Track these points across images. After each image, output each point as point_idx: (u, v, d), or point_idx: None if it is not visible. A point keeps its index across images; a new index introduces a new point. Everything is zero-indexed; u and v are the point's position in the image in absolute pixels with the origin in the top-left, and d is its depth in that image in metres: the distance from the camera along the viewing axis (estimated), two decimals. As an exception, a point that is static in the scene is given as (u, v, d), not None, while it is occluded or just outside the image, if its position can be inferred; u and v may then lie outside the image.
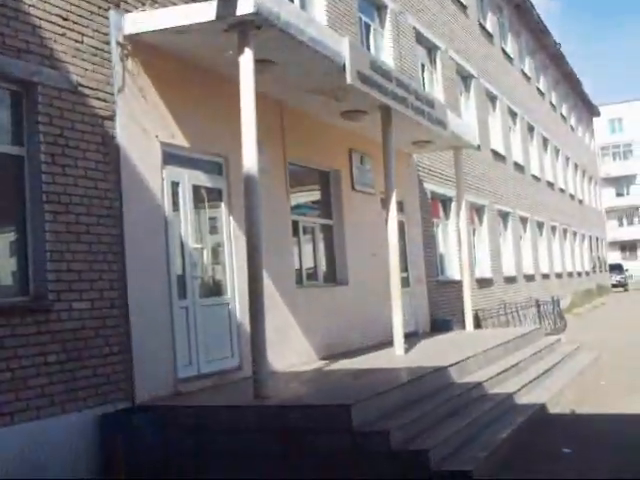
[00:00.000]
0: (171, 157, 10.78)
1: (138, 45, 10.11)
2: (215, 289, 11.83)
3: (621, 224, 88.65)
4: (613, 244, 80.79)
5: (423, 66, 22.34)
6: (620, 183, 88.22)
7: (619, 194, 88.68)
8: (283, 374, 12.01)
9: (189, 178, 11.17)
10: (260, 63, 10.19)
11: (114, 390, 9.15)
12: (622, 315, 33.83)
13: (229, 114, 10.55)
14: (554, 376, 14.78)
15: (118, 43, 9.84)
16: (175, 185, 10.86)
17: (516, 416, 11.14)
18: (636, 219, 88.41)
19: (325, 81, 12.37)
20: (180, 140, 10.87)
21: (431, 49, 23.11)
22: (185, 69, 10.96)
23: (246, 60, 9.65)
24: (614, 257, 77.13)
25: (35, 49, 8.55)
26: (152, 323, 9.90)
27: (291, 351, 12.96)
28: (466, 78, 26.55)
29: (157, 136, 10.41)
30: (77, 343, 8.67)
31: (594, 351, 18.68)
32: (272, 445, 8.67)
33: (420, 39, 21.96)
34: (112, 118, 9.60)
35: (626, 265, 74.08)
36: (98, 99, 9.39)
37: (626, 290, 61.90)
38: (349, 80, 11.93)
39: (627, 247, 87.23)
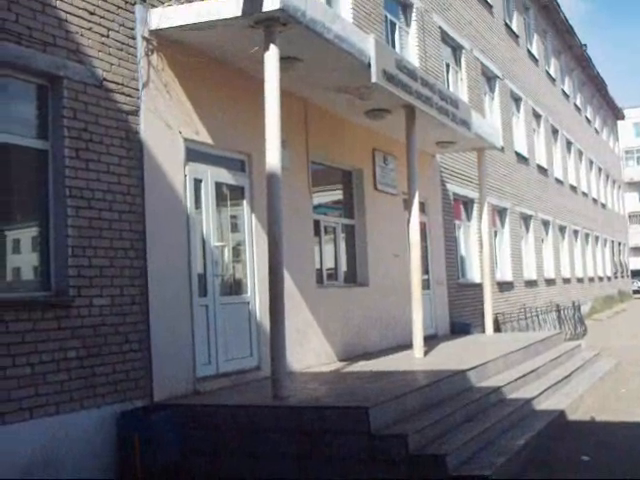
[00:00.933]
0: (194, 154, 10.76)
1: (163, 40, 10.09)
2: (236, 288, 11.80)
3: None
4: (636, 249, 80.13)
5: (448, 66, 22.23)
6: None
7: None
8: (301, 375, 11.97)
9: (212, 175, 11.15)
10: (285, 60, 10.17)
11: (133, 387, 9.14)
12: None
13: (253, 111, 10.53)
14: (574, 382, 14.68)
15: (144, 38, 9.83)
16: (198, 182, 10.84)
17: (535, 422, 11.07)
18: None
19: (350, 79, 12.32)
20: (204, 137, 10.84)
21: (456, 49, 23.01)
22: (210, 65, 10.94)
23: (271, 57, 9.61)
24: (636, 263, 76.53)
25: (61, 43, 8.54)
26: (172, 321, 9.88)
27: (310, 352, 12.92)
28: (491, 79, 26.43)
29: (181, 132, 10.39)
30: (97, 339, 8.67)
31: (614, 358, 18.57)
32: (289, 446, 8.64)
33: (445, 38, 21.87)
34: (136, 113, 9.59)
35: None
36: (123, 94, 9.38)
37: (647, 296, 61.45)
38: (374, 79, 11.87)
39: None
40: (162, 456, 8.72)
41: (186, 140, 10.50)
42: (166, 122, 10.10)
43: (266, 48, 9.63)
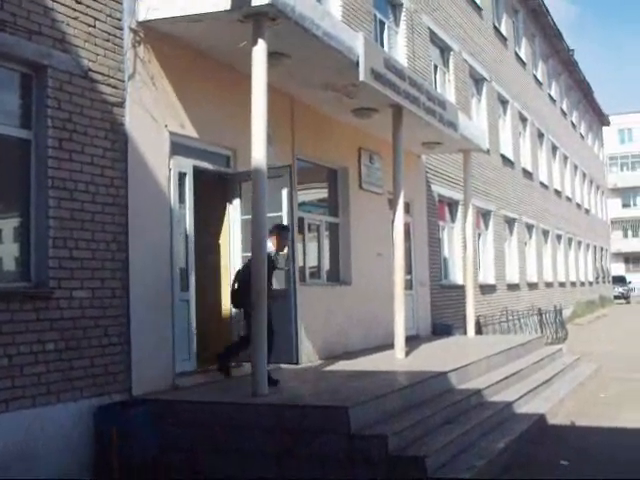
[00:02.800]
0: (179, 147, 10.69)
1: (151, 32, 10.01)
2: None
3: (626, 235, 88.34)
4: (617, 255, 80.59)
5: (436, 67, 22.23)
6: (627, 194, 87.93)
7: (625, 205, 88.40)
8: (282, 372, 11.88)
9: (197, 169, 11.06)
10: (273, 56, 10.10)
11: (111, 381, 9.07)
12: (624, 327, 33.73)
13: (239, 106, 10.45)
14: (554, 386, 14.69)
15: (131, 29, 9.74)
16: (182, 176, 10.75)
17: (515, 425, 11.05)
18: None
19: (337, 77, 12.27)
20: (189, 130, 10.77)
21: (444, 50, 23.01)
22: (197, 59, 10.87)
23: (259, 52, 9.54)
24: (617, 269, 76.96)
25: (47, 32, 8.45)
26: (153, 315, 9.81)
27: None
28: (478, 81, 26.45)
29: (166, 125, 10.31)
30: (76, 332, 8.58)
31: (595, 363, 18.61)
32: (268, 444, 8.58)
33: (434, 39, 21.86)
34: (122, 105, 9.50)
35: (629, 277, 74.00)
36: (108, 85, 9.30)
37: (628, 302, 61.76)
38: (362, 77, 11.83)
39: (631, 259, 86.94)
40: (140, 451, 8.65)
41: (171, 133, 10.43)
42: (152, 115, 10.02)
43: (254, 43, 9.55)
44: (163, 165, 10.25)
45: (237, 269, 11.12)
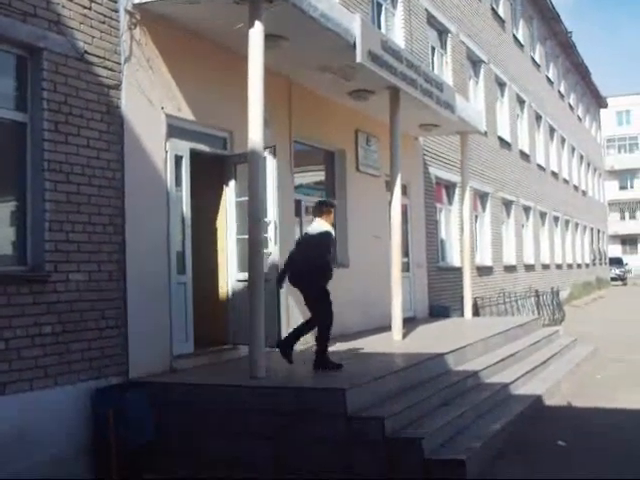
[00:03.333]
0: (176, 130, 10.65)
1: (147, 14, 9.95)
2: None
3: (623, 217, 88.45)
4: (614, 237, 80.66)
5: (433, 49, 22.16)
6: (624, 176, 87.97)
7: (622, 187, 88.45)
8: (279, 354, 11.90)
9: (193, 152, 11.03)
10: (270, 38, 10.05)
11: (108, 364, 9.07)
12: (620, 309, 33.80)
13: (236, 89, 10.41)
14: (551, 368, 14.74)
15: (126, 11, 9.69)
16: (179, 158, 10.72)
17: (512, 407, 11.11)
18: (638, 213, 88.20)
19: (334, 59, 12.23)
20: (186, 113, 10.74)
21: (442, 32, 22.92)
22: (194, 41, 10.82)
23: (256, 34, 9.50)
24: (614, 250, 77.07)
25: (42, 13, 8.41)
26: (149, 297, 9.81)
27: (288, 332, 12.83)
28: (476, 63, 26.36)
29: (163, 108, 10.28)
30: (73, 315, 8.58)
31: (591, 344, 18.65)
32: (266, 426, 8.60)
33: (431, 21, 21.77)
34: (118, 87, 9.47)
35: (626, 259, 74.18)
36: (104, 68, 9.26)
37: (625, 284, 61.88)
38: (359, 58, 11.79)
39: (628, 241, 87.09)
40: (137, 434, 8.67)
41: (168, 116, 10.40)
42: (148, 97, 9.99)
43: (251, 25, 9.51)
44: (159, 148, 10.23)
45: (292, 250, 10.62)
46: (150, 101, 10.03)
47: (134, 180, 9.60)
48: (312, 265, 9.87)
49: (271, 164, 10.98)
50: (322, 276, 10.00)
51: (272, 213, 10.99)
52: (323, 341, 10.11)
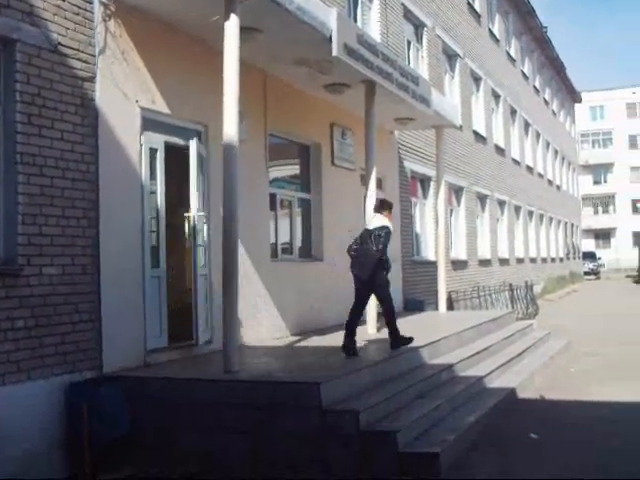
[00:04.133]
0: (150, 123, 10.60)
1: (121, 6, 9.89)
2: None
3: (596, 212, 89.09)
4: (587, 232, 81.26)
5: (409, 43, 22.19)
6: (598, 171, 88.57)
7: (596, 182, 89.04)
8: (254, 349, 11.93)
9: (168, 145, 10.98)
10: (245, 31, 10.01)
11: (82, 359, 9.02)
12: (593, 303, 34.07)
13: (211, 82, 10.39)
14: (525, 361, 14.83)
15: (101, 3, 9.62)
16: (153, 151, 10.68)
17: (486, 400, 11.17)
18: (611, 208, 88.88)
19: (310, 52, 12.21)
20: (160, 106, 10.69)
21: (418, 26, 22.95)
22: (169, 34, 10.77)
23: (231, 27, 9.47)
24: (588, 245, 77.64)
25: (15, 4, 8.32)
26: (123, 292, 9.76)
27: (263, 326, 12.89)
28: (451, 57, 26.43)
29: (137, 100, 10.23)
30: (46, 309, 8.52)
31: (565, 337, 18.79)
32: (240, 420, 8.59)
33: (408, 15, 21.80)
34: (92, 80, 9.40)
35: (599, 253, 74.81)
36: (78, 60, 9.19)
37: (598, 278, 62.39)
38: (335, 52, 11.77)
39: (601, 235, 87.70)
40: (111, 428, 8.63)
41: (142, 109, 10.35)
42: (122, 90, 9.93)
43: (226, 17, 9.47)
44: (134, 141, 10.18)
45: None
46: (125, 94, 9.97)
47: (108, 173, 9.54)
48: (372, 256, 10.90)
49: (194, 151, 11.06)
50: (381, 266, 11.07)
51: (195, 204, 11.05)
52: (393, 322, 11.37)
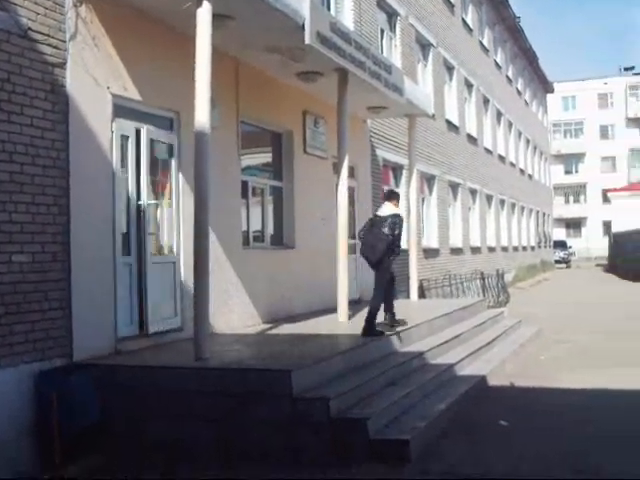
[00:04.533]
0: (122, 110, 10.54)
1: (93, -9, 9.81)
2: (161, 247, 11.63)
3: (567, 201, 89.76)
4: (559, 221, 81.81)
5: (382, 31, 22.17)
6: (569, 161, 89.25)
7: (568, 171, 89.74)
8: (225, 336, 11.92)
9: (139, 132, 10.93)
10: (218, 18, 9.96)
11: (52, 346, 8.96)
12: (564, 291, 34.33)
13: (183, 69, 10.35)
14: (495, 349, 14.94)
15: (72, -12, 9.54)
16: (125, 139, 10.62)
17: (456, 387, 11.25)
18: (582, 197, 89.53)
19: (283, 40, 12.16)
20: (132, 93, 10.63)
21: (391, 15, 22.93)
22: (140, 20, 10.69)
23: (204, 13, 9.44)
24: (559, 234, 78.19)
25: (-16, -11, 8.24)
26: (94, 279, 9.71)
27: (234, 313, 12.88)
28: (425, 46, 26.45)
29: (109, 87, 10.16)
30: (16, 297, 8.45)
31: (536, 325, 18.93)
32: (211, 408, 8.60)
33: (381, 4, 21.79)
34: (63, 66, 9.32)
35: (570, 242, 75.38)
36: (49, 45, 9.10)
37: (568, 267, 62.86)
38: (307, 40, 11.74)
39: (572, 224, 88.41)
40: (81, 417, 8.61)
41: (114, 95, 10.28)
42: (93, 76, 9.86)
43: (198, 4, 9.44)
44: (105, 128, 10.11)
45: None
46: (96, 80, 9.90)
47: (79, 160, 9.48)
48: (382, 241, 11.57)
49: (144, 137, 10.95)
50: (390, 251, 11.71)
51: (145, 192, 11.00)
52: (376, 311, 11.69)
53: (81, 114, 9.60)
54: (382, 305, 12.07)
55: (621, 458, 8.24)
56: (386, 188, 21.42)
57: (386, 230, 11.58)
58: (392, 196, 12.56)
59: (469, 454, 8.49)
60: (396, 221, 11.70)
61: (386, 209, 12.10)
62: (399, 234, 11.74)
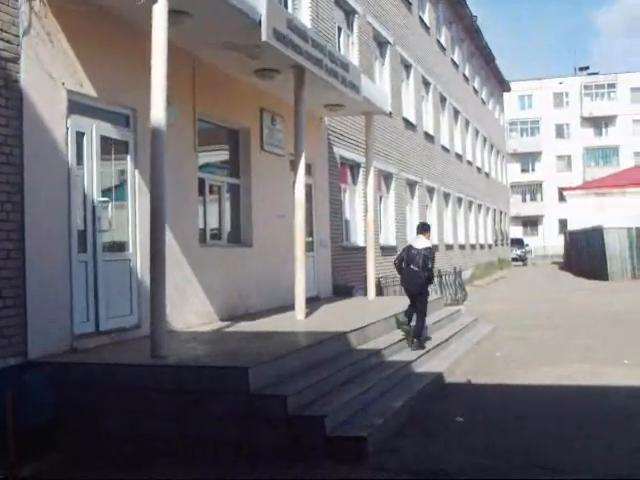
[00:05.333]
0: (77, 106, 10.44)
1: (47, -13, 9.71)
2: (117, 244, 11.55)
3: (524, 200, 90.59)
4: (515, 219, 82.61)
5: (340, 29, 22.20)
6: (526, 159, 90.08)
7: (524, 170, 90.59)
8: (182, 334, 11.87)
9: (95, 129, 10.84)
10: (174, 14, 9.93)
11: (6, 345, 8.86)
12: (520, 289, 34.64)
13: (140, 65, 10.30)
14: (452, 346, 15.03)
15: (25, -17, 9.43)
16: (80, 135, 10.53)
17: (413, 384, 11.30)
18: (539, 195, 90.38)
19: (239, 37, 12.12)
20: (88, 89, 10.53)
21: (349, 12, 22.97)
22: (97, 16, 10.59)
23: (160, 10, 9.41)
24: (516, 232, 78.92)
25: None
26: (49, 277, 9.63)
27: (191, 311, 12.82)
28: (382, 44, 26.52)
29: (64, 83, 10.06)
30: (-31, 295, 8.36)
31: (492, 323, 19.08)
32: (168, 405, 8.57)
33: (338, 2, 21.81)
34: (16, 61, 9.22)
35: (526, 240, 76.16)
36: (1, 40, 9.00)
37: (525, 264, 63.47)
38: (264, 37, 11.72)
39: (528, 222, 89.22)
40: (36, 415, 8.52)
41: (69, 92, 10.18)
42: (48, 72, 9.76)
43: (154, 0, 9.39)
44: (60, 124, 10.01)
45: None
46: (50, 76, 9.80)
47: (34, 157, 9.38)
48: (420, 278, 13.40)
49: (90, 133, 10.76)
50: (427, 280, 13.58)
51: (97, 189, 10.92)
52: (420, 328, 13.59)
53: (35, 110, 9.50)
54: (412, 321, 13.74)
55: (567, 450, 8.43)
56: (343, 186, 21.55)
57: (421, 267, 13.32)
58: (425, 229, 14.23)
59: (425, 450, 8.55)
60: (429, 255, 13.44)
61: (420, 242, 13.73)
62: (432, 267, 13.55)
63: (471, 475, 7.66)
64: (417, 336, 13.43)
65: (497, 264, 49.72)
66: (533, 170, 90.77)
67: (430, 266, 13.39)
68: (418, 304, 13.58)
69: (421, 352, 13.08)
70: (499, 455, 8.28)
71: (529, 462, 8.00)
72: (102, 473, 8.05)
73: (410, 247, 13.81)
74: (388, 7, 27.01)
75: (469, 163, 43.22)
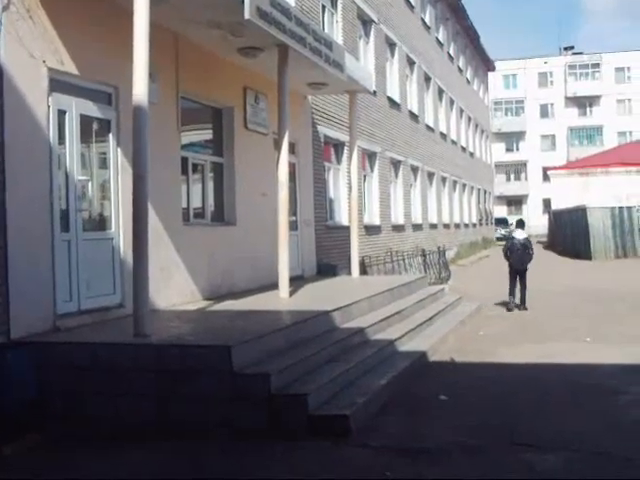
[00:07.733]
0: (59, 84, 10.36)
1: (27, -39, 9.61)
2: (100, 223, 11.51)
3: (508, 179, 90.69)
4: (500, 198, 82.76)
5: (324, 7, 22.08)
6: (510, 139, 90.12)
7: (509, 149, 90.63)
8: (165, 313, 11.86)
9: (77, 107, 10.77)
10: (156, -9, 9.85)
11: (-13, 324, 8.83)
12: (504, 268, 34.56)
13: (122, 43, 10.21)
14: (436, 325, 15.08)
15: (5, -42, 9.34)
16: (62, 114, 10.46)
17: (397, 362, 11.33)
18: (523, 175, 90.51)
19: (223, 15, 12.03)
20: (69, 67, 10.45)
21: (333, -10, 22.87)
22: (77, -7, 10.51)
23: (142, -14, 9.31)
24: (500, 211, 79.08)
25: None
26: (32, 256, 9.59)
27: (174, 290, 12.80)
28: (366, 23, 26.41)
29: (45, 61, 9.98)
30: (-51, 274, 8.31)
31: (475, 302, 19.15)
32: (150, 384, 8.57)
33: (322, -20, 21.69)
34: (-5, 38, 9.13)
35: (511, 220, 76.06)
36: (-20, 17, 8.91)
37: (509, 243, 63.41)
38: (247, 15, 11.64)
39: (513, 202, 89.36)
40: (18, 395, 8.49)
41: (50, 69, 10.10)
42: (29, 50, 9.67)
43: (136, -23, 9.32)
44: (42, 102, 9.94)
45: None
46: (31, 54, 9.72)
47: (14, 136, 9.31)
48: (527, 258, 19.17)
49: (71, 111, 10.68)
50: (529, 263, 19.24)
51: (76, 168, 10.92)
52: (525, 295, 19.19)
53: (16, 88, 9.42)
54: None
55: (549, 426, 8.52)
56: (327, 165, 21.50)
57: (532, 251, 19.41)
58: (522, 223, 20.54)
59: (408, 428, 8.59)
60: (528, 243, 19.28)
61: (520, 233, 19.51)
62: (531, 251, 19.36)
63: (454, 452, 7.70)
64: (524, 302, 18.84)
65: (481, 243, 49.82)
66: (517, 150, 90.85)
67: (530, 250, 19.19)
68: (525, 279, 19.00)
69: (405, 331, 13.10)
70: (482, 432, 8.32)
71: (511, 439, 8.05)
72: (82, 453, 8.04)
73: (513, 238, 19.37)
74: (372, -15, 26.89)
75: (453, 142, 43.23)
